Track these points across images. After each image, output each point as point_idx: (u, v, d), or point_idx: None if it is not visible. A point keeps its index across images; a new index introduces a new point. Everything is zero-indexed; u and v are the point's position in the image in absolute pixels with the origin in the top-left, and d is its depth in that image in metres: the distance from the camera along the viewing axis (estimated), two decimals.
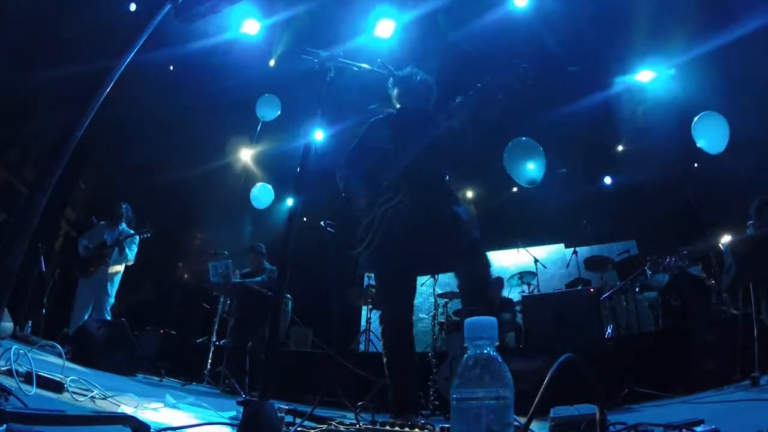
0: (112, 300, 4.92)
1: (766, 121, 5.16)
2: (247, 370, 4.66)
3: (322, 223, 2.28)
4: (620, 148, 7.67)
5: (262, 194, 7.49)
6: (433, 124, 2.27)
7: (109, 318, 4.72)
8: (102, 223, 5.13)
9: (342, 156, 2.51)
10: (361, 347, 6.51)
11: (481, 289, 2.19)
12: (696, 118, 5.45)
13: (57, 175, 1.05)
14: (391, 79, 2.48)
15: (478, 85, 2.22)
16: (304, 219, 8.93)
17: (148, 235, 5.03)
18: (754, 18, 4.80)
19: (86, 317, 4.66)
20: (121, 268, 5.01)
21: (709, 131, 5.31)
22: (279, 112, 6.98)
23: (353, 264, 2.45)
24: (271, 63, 6.92)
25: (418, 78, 2.51)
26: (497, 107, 2.30)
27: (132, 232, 5.05)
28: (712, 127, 5.28)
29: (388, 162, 2.33)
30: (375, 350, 6.35)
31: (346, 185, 2.41)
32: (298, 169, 1.61)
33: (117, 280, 4.99)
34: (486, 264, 2.25)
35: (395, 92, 2.53)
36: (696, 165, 6.69)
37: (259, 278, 5.16)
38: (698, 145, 5.45)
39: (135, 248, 5.06)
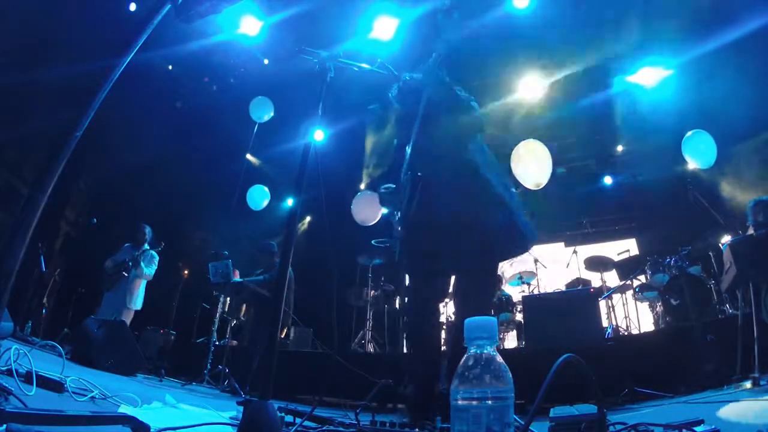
0: (132, 312, 5.18)
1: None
2: (253, 372, 4.64)
3: (373, 242, 2.33)
4: (620, 148, 7.67)
5: (257, 195, 7.50)
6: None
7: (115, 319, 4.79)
8: (127, 245, 5.45)
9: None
10: (361, 347, 6.51)
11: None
12: (686, 136, 5.53)
13: (57, 175, 1.05)
14: (393, 84, 2.49)
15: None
16: (308, 218, 8.95)
17: (159, 249, 5.42)
18: (755, 18, 4.80)
19: None
20: (140, 282, 5.29)
21: (698, 148, 5.42)
22: (272, 114, 6.99)
23: (353, 264, 2.47)
24: (265, 62, 6.92)
25: (417, 80, 2.51)
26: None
27: (148, 248, 5.38)
28: (700, 145, 5.39)
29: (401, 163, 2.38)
30: (375, 351, 6.36)
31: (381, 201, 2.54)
32: (299, 169, 1.60)
33: (138, 294, 5.25)
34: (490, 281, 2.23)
35: (397, 96, 2.55)
36: (695, 165, 6.70)
37: (261, 277, 5.16)
38: (689, 162, 5.56)
39: (154, 265, 5.37)
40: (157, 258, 5.39)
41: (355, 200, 7.06)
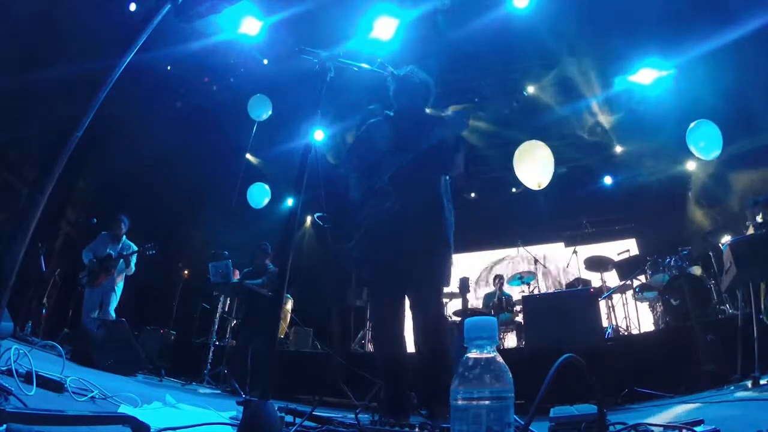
0: (114, 306, 5.14)
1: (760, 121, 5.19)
2: (249, 371, 4.66)
3: (315, 216, 2.33)
4: (620, 148, 7.68)
5: (257, 193, 7.49)
6: (425, 136, 2.29)
7: (115, 319, 4.79)
8: (104, 233, 5.37)
9: (344, 152, 2.58)
10: (361, 347, 6.51)
11: (434, 328, 2.23)
12: (690, 126, 5.51)
13: (57, 175, 1.05)
14: (390, 78, 2.47)
15: (476, 100, 2.28)
16: (309, 218, 8.94)
17: (153, 252, 5.30)
18: (754, 18, 4.80)
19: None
20: (122, 277, 5.26)
21: (704, 138, 5.39)
22: (270, 112, 6.98)
23: (352, 264, 2.49)
24: (265, 62, 6.93)
25: (417, 79, 2.50)
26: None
27: (134, 246, 5.30)
28: (706, 135, 5.36)
29: (381, 166, 2.36)
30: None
31: (347, 178, 2.49)
32: (299, 169, 1.60)
33: (120, 288, 5.23)
34: (437, 300, 2.30)
35: (393, 91, 2.52)
36: (695, 165, 6.71)
37: (260, 280, 5.17)
38: (693, 151, 5.53)
39: (134, 258, 5.31)
40: (137, 250, 5.29)
41: None
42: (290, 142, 7.17)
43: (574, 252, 6.78)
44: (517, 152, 6.12)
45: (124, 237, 5.35)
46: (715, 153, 5.37)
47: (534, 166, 5.91)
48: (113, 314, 5.03)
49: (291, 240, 1.53)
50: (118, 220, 5.34)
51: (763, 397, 2.31)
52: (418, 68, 2.55)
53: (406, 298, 2.38)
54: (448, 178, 2.49)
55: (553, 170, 5.88)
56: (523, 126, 7.12)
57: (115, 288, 5.12)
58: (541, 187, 5.85)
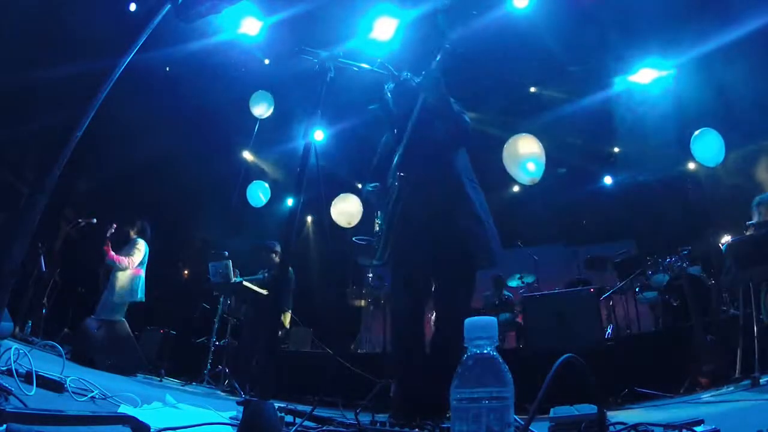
0: (109, 303, 4.94)
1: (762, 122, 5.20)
2: (252, 370, 4.63)
3: (354, 239, 2.36)
4: (620, 148, 7.67)
5: (258, 192, 7.48)
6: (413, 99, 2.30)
7: (115, 319, 4.72)
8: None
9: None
10: (361, 347, 6.51)
11: (455, 316, 2.08)
12: (694, 134, 5.51)
13: (57, 175, 1.05)
14: (390, 82, 2.49)
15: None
16: (309, 217, 8.94)
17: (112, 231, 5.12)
18: (754, 18, 4.80)
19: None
20: (120, 274, 5.01)
21: (706, 147, 5.39)
22: (272, 110, 6.97)
23: (352, 263, 2.50)
24: (266, 62, 6.93)
25: (414, 83, 2.51)
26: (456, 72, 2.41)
27: (138, 241, 5.19)
28: (709, 143, 5.36)
29: (389, 162, 2.37)
30: (375, 350, 6.36)
31: (366, 199, 2.52)
32: (299, 169, 1.60)
33: (118, 287, 4.99)
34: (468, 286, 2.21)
35: (392, 96, 2.55)
36: (695, 165, 6.71)
37: (260, 275, 5.15)
38: (696, 158, 5.53)
39: (131, 251, 5.07)
40: (137, 243, 5.10)
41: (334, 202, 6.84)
42: (290, 141, 7.17)
43: (574, 252, 6.78)
44: (506, 147, 5.98)
45: (136, 237, 5.20)
46: (717, 161, 5.37)
47: (526, 161, 5.76)
48: (113, 316, 4.86)
49: (292, 240, 1.53)
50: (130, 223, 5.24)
51: (763, 397, 2.31)
52: (414, 73, 2.56)
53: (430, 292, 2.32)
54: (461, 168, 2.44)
55: (544, 165, 5.72)
56: (523, 126, 7.12)
57: (111, 286, 4.96)
58: (534, 183, 5.73)
